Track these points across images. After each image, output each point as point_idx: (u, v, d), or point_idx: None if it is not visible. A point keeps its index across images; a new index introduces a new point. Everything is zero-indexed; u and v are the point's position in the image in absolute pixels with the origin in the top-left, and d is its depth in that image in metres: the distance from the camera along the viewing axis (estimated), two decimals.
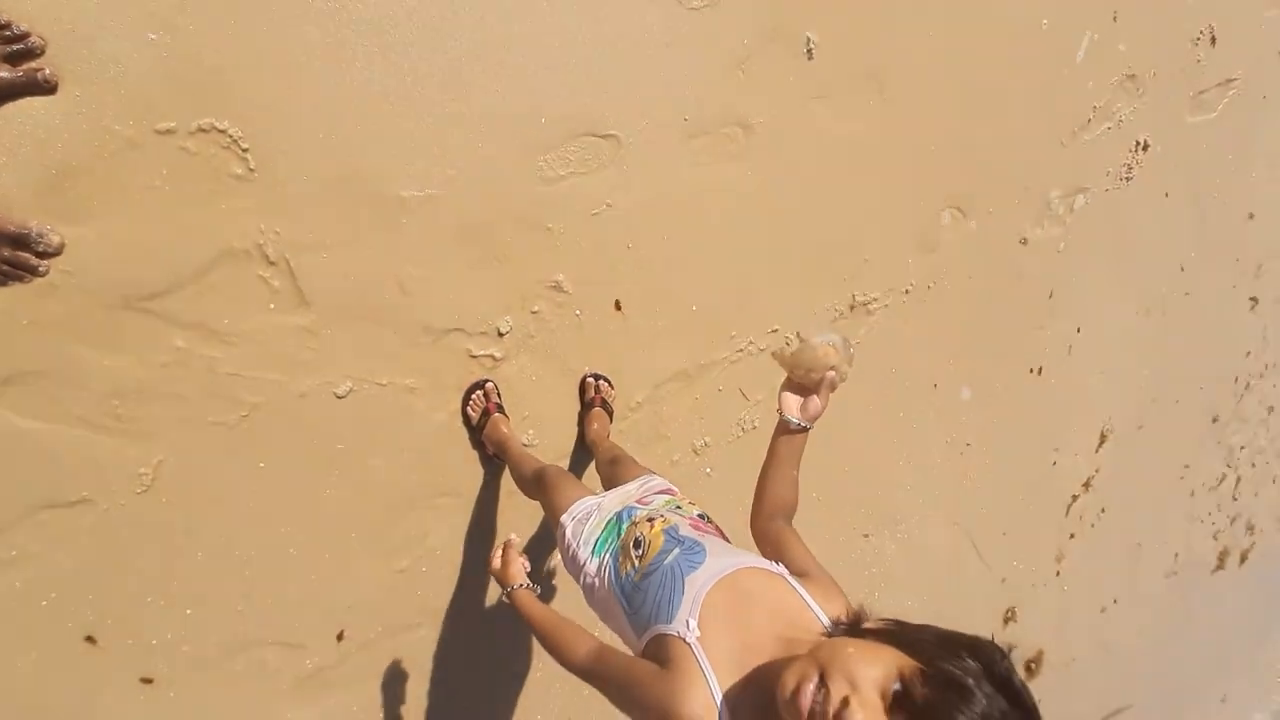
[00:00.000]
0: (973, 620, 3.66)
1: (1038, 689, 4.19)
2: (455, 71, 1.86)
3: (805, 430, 1.20)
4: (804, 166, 2.47)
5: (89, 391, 1.65)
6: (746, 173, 2.36)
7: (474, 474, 2.14)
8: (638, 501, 1.53)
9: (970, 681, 0.72)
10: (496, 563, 1.38)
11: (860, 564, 3.14)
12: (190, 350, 1.71)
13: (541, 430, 2.21)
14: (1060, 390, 3.54)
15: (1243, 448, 4.83)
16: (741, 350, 2.51)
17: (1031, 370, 3.38)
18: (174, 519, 1.80)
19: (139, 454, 1.73)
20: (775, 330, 2.57)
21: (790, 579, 1.08)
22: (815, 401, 1.17)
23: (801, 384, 1.18)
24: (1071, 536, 3.96)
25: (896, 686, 0.74)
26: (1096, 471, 3.91)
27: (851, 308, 2.72)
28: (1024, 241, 3.12)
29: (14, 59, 1.44)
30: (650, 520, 1.35)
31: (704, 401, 2.49)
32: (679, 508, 1.47)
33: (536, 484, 1.84)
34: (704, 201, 2.31)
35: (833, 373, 1.13)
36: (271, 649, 1.99)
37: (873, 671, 0.76)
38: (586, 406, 2.23)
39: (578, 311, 2.17)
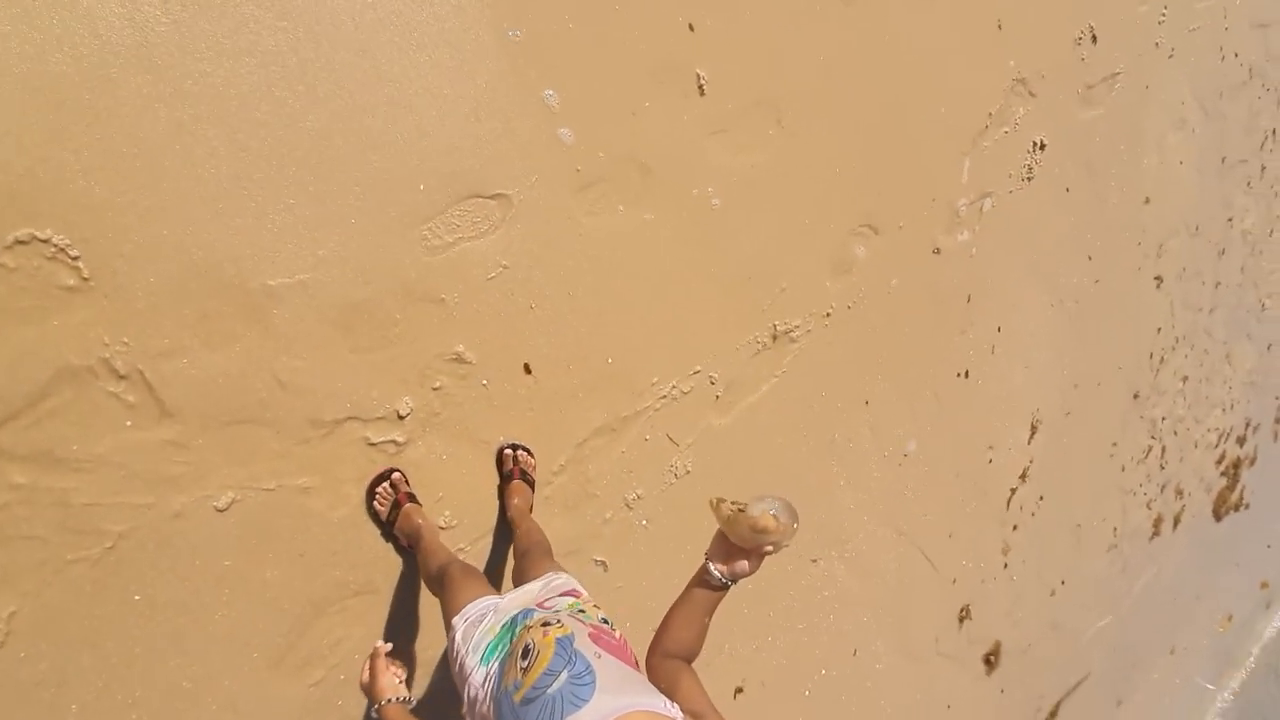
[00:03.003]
0: (929, 623, 3.64)
1: (999, 679, 4.21)
2: (316, 146, 1.70)
3: (726, 587, 1.10)
4: (708, 203, 2.38)
5: None
6: (648, 216, 2.25)
7: (389, 566, 1.97)
8: (538, 604, 1.41)
9: None
10: (365, 676, 1.24)
11: (812, 589, 3.06)
12: (34, 485, 1.50)
13: (460, 510, 2.05)
14: (988, 390, 3.55)
15: (1164, 418, 4.98)
16: (665, 396, 2.40)
17: (959, 374, 3.38)
18: (39, 673, 1.57)
19: None
20: (698, 371, 2.47)
21: None
22: (744, 565, 1.07)
23: (735, 544, 1.09)
24: (1015, 528, 3.98)
25: None
26: (1031, 462, 3.94)
27: (774, 338, 2.65)
28: (937, 251, 3.11)
29: None
30: (546, 625, 1.22)
31: (631, 454, 2.37)
32: (582, 611, 1.35)
33: (439, 581, 1.68)
34: (607, 250, 2.19)
35: (770, 547, 1.04)
36: None
37: None
38: (505, 479, 2.08)
39: (484, 381, 2.02)
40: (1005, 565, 4.01)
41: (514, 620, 1.32)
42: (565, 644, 1.11)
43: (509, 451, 2.08)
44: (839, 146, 2.68)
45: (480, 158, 1.91)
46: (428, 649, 2.05)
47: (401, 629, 2.01)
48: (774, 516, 1.02)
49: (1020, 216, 3.45)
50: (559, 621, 1.22)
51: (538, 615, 1.28)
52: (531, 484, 2.11)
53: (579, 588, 1.49)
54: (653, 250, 2.28)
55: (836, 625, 3.19)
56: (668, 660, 1.10)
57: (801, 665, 3.09)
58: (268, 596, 1.79)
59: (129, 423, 1.57)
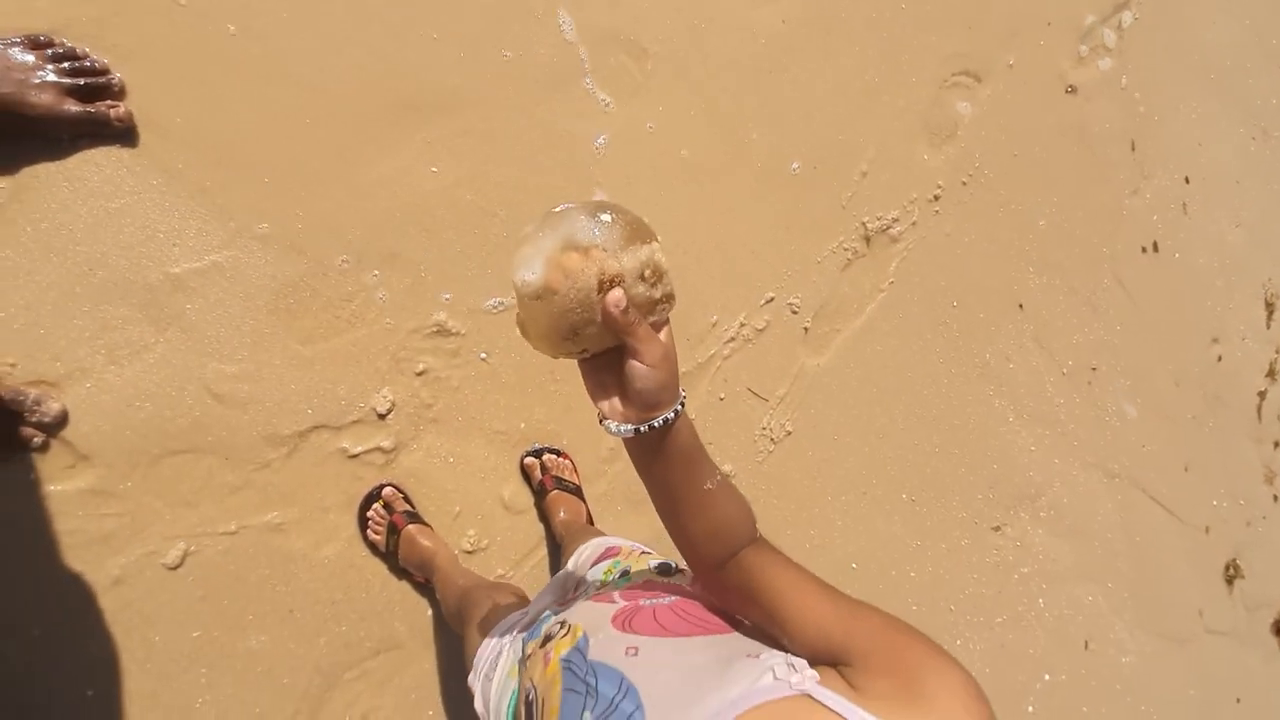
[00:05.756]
0: (1185, 592, 2.58)
1: None
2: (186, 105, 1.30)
3: (662, 427, 0.57)
4: (737, 78, 1.76)
5: None
6: (658, 109, 1.67)
7: (411, 610, 1.46)
8: (558, 602, 0.90)
9: None
10: None
11: (1003, 568, 2.20)
12: None
13: (486, 526, 1.52)
14: (1191, 263, 2.54)
15: None
16: (733, 339, 1.76)
17: (1144, 249, 2.42)
18: None
19: None
20: (771, 299, 1.80)
21: (828, 696, 0.47)
22: (635, 371, 0.55)
23: (596, 355, 0.58)
24: (1277, 445, 2.82)
25: None
26: (1279, 353, 2.80)
27: (867, 239, 1.93)
28: (1071, 89, 2.24)
29: (88, 94, 1.18)
30: (547, 642, 0.73)
31: (704, 419, 1.73)
32: (625, 574, 0.87)
33: (459, 619, 1.18)
34: (609, 155, 1.63)
35: (617, 292, 0.53)
36: None
37: None
38: (540, 494, 1.53)
39: (483, 355, 1.51)
40: (1275, 497, 2.83)
41: (522, 654, 0.82)
42: (575, 661, 0.65)
43: (532, 460, 1.53)
44: None
45: (424, 72, 1.44)
46: None
47: (446, 684, 1.49)
48: (575, 248, 0.53)
49: (1176, 26, 2.48)
50: (564, 627, 0.72)
51: (542, 630, 0.78)
52: (577, 490, 1.55)
53: (618, 542, 0.99)
54: (673, 152, 1.69)
55: (1051, 612, 2.28)
56: (724, 568, 0.61)
57: (1013, 672, 2.21)
58: (259, 671, 1.34)
59: (32, 475, 1.21)
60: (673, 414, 0.57)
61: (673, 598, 0.69)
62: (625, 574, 0.87)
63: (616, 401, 0.58)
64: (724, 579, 0.62)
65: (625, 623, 0.66)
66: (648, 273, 0.55)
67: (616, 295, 0.53)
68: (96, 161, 1.22)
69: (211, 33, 1.30)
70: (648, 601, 0.69)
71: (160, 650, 1.27)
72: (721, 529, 0.61)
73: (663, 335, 0.57)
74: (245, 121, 1.32)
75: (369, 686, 1.42)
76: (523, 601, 1.11)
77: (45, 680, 1.21)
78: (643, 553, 0.92)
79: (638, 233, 0.55)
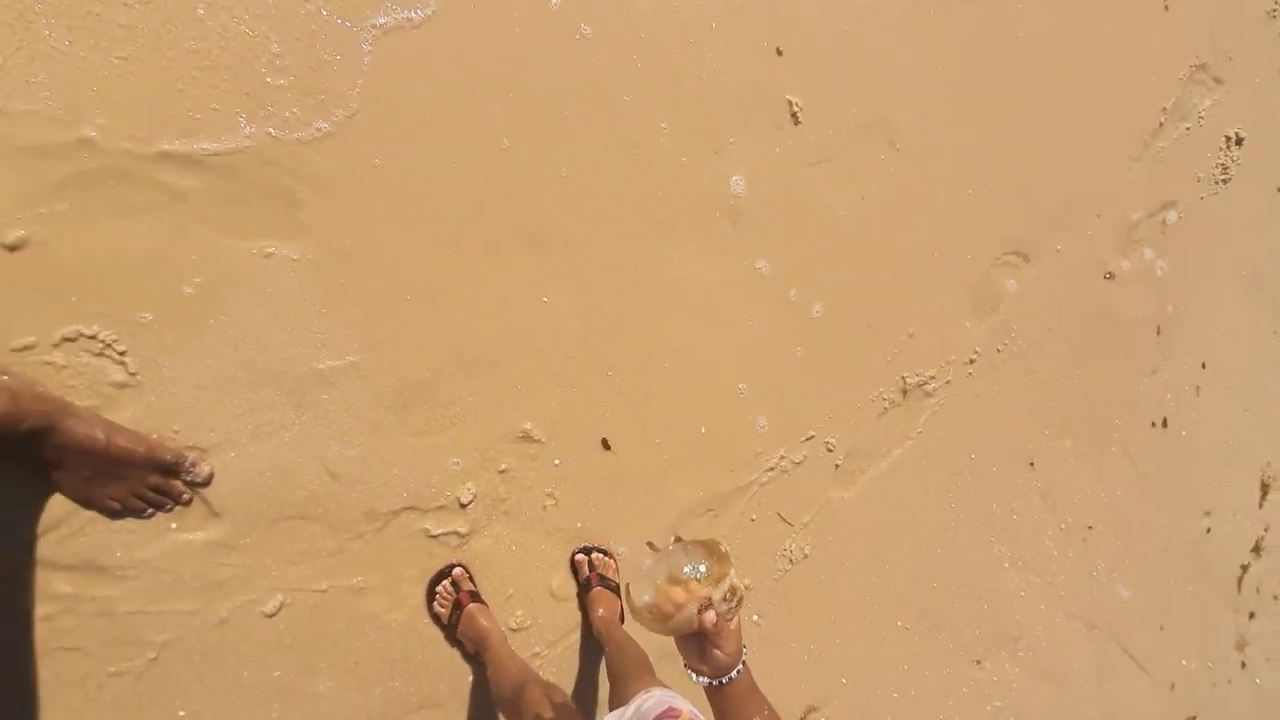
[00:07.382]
0: None
1: None
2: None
3: (727, 684, 0.79)
4: (812, 242, 1.91)
5: None
6: (742, 262, 1.83)
7: (454, 677, 1.61)
8: None
9: None
10: None
11: (978, 698, 2.31)
12: (78, 595, 1.31)
13: (533, 608, 1.67)
14: (1196, 441, 2.65)
15: None
16: (772, 469, 1.90)
17: (1154, 424, 2.54)
18: None
19: None
20: (811, 437, 1.95)
21: None
22: (714, 655, 0.77)
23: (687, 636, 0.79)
24: (1252, 616, 2.91)
25: None
26: (1266, 530, 2.89)
27: (904, 393, 2.07)
28: (1110, 276, 2.37)
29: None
30: None
31: (735, 536, 1.88)
32: None
33: (513, 708, 1.32)
34: (696, 303, 1.79)
35: (709, 614, 0.74)
36: None
37: None
38: (584, 588, 1.68)
39: (557, 461, 1.66)
40: (1243, 664, 2.92)
41: None
42: None
43: (582, 556, 1.68)
44: (971, 164, 2.11)
45: (548, 204, 1.61)
46: None
47: None
48: (675, 583, 0.75)
49: (1218, 228, 2.61)
50: None
51: None
52: (616, 589, 1.69)
53: (678, 703, 1.10)
54: (750, 301, 1.84)
55: None
56: None
57: None
58: (322, 712, 1.49)
59: (174, 525, 1.37)
60: (736, 673, 0.78)
61: None
62: None
63: (698, 662, 0.78)
64: None
65: None
66: (728, 594, 0.75)
67: (710, 617, 0.74)
68: (274, 272, 1.39)
69: (391, 172, 1.47)
70: None
71: (246, 684, 1.43)
72: None
73: (733, 625, 0.77)
74: (400, 248, 1.48)
75: None
76: (571, 712, 1.25)
77: (148, 699, 1.37)
78: None
79: (722, 565, 0.75)
